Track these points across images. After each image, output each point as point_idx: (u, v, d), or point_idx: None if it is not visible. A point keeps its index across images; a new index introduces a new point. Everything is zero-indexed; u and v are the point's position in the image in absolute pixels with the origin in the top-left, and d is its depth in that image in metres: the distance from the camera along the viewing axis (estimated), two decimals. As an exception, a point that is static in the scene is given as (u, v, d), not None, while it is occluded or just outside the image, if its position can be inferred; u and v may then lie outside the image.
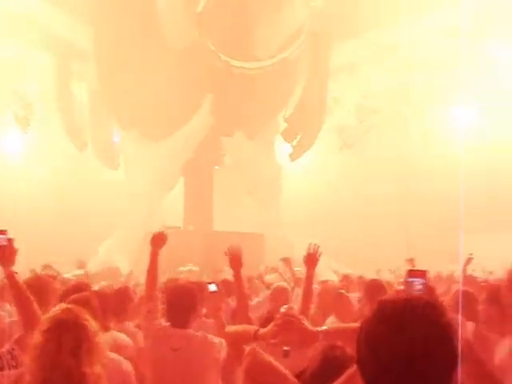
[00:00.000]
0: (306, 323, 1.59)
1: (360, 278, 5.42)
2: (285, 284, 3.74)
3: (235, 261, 2.70)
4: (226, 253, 2.75)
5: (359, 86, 12.04)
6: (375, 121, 12.55)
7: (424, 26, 10.83)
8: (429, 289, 1.91)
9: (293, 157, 11.16)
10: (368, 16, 9.80)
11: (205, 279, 4.62)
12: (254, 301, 4.09)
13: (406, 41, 10.33)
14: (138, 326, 2.94)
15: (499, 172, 10.91)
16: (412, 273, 1.68)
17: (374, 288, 3.08)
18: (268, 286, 4.42)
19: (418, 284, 1.64)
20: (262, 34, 9.63)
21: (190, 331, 2.47)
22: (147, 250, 2.61)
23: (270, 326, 1.61)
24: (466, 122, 11.86)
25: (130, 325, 3.07)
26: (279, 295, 3.35)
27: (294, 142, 10.87)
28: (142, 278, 3.39)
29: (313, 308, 3.11)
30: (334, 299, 3.37)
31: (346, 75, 11.69)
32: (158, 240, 2.60)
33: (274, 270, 5.93)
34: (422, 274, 1.66)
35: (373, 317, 1.17)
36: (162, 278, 3.39)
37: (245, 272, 2.74)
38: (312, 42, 9.60)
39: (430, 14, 10.73)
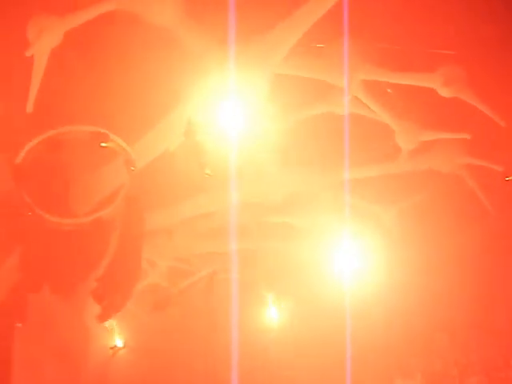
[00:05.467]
0: None
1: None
2: None
3: None
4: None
5: (175, 249, 12.28)
6: (189, 284, 13.28)
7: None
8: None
9: (101, 318, 10.49)
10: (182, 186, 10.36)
11: None
12: None
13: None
14: None
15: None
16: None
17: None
18: None
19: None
20: (80, 191, 9.75)
21: None
22: None
23: None
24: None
25: None
26: None
27: (104, 303, 10.25)
28: None
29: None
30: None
31: (163, 238, 11.85)
32: None
33: None
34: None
35: None
36: None
37: None
38: (128, 205, 9.67)
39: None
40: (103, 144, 9.10)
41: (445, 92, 9.24)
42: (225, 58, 8.08)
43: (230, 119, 8.73)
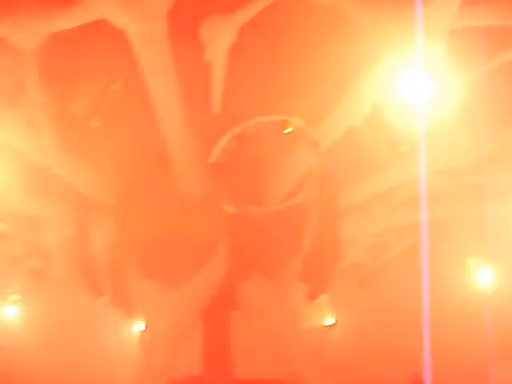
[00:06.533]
0: None
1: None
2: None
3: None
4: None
5: (371, 224, 12.08)
6: (388, 258, 12.90)
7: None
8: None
9: (310, 298, 11.06)
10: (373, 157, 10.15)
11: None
12: None
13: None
14: None
15: None
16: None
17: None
18: None
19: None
20: (271, 179, 10.01)
21: None
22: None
23: None
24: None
25: None
26: None
27: (311, 283, 10.79)
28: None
29: None
30: None
31: (357, 215, 11.69)
32: None
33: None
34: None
35: None
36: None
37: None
38: (320, 185, 9.89)
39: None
40: (287, 130, 9.36)
41: None
42: (402, 25, 7.83)
43: (415, 86, 8.44)
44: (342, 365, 12.74)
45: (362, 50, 8.49)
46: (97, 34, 8.61)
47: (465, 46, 8.89)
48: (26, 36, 8.12)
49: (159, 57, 8.35)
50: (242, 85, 9.31)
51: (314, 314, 13.45)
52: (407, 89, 8.52)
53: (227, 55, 8.36)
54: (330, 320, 14.34)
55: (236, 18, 8.12)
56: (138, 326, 12.29)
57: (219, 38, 8.17)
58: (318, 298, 11.32)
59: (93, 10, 7.78)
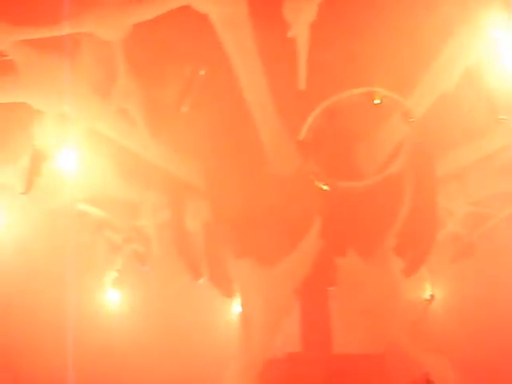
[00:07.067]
0: None
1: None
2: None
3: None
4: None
5: (469, 193, 11.65)
6: (489, 227, 12.35)
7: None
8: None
9: (408, 272, 10.81)
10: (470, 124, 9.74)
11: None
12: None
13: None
14: None
15: None
16: None
17: None
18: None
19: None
20: (363, 152, 9.87)
21: None
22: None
23: None
24: None
25: None
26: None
27: (408, 257, 10.58)
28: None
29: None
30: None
31: (454, 184, 11.39)
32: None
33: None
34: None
35: None
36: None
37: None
38: (414, 155, 9.45)
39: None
40: (376, 101, 9.14)
41: None
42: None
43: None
44: (442, 339, 12.43)
45: (452, 12, 8.17)
46: (181, 21, 8.70)
47: None
48: (112, 28, 8.32)
49: (243, 38, 8.40)
50: (326, 60, 9.19)
51: (413, 288, 13.18)
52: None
53: (310, 31, 8.24)
54: (429, 294, 14.03)
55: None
56: (237, 306, 12.48)
57: (302, 15, 8.07)
58: (416, 272, 11.08)
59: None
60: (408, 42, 8.94)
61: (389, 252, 10.94)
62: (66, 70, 8.81)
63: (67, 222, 11.51)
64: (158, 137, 10.09)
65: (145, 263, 13.23)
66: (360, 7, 8.93)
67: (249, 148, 10.01)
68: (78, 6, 8.06)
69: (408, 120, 8.96)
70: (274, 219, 9.94)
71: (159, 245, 12.60)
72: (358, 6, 8.93)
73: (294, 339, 11.12)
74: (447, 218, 12.22)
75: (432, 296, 13.92)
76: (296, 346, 11.05)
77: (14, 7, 8.20)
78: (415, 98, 9.09)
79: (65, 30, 8.18)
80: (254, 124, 9.48)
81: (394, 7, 8.65)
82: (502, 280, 12.88)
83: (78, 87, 9.09)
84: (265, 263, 10.37)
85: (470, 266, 13.14)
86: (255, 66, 8.74)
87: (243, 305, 11.25)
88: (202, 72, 9.44)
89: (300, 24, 8.11)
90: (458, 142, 10.36)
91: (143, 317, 14.12)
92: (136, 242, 13.03)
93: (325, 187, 9.51)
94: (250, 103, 9.18)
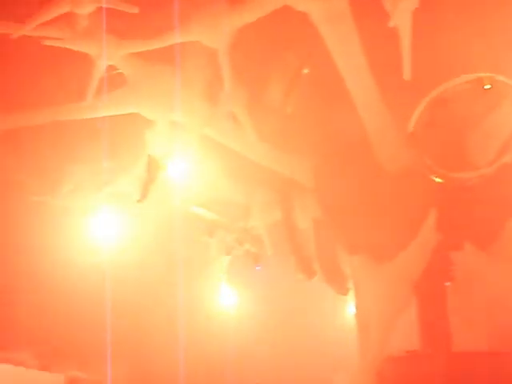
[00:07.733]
0: None
1: None
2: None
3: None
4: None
5: None
6: None
7: None
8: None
9: None
10: None
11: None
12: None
13: None
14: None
15: None
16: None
17: None
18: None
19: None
20: (476, 141, 9.34)
21: None
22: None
23: None
24: None
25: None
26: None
27: None
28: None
29: None
30: None
31: None
32: None
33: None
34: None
35: None
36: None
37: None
38: None
39: None
40: (486, 87, 8.77)
41: None
42: None
43: None
44: None
45: None
46: (280, 22, 8.77)
47: None
48: (218, 35, 8.52)
49: (345, 32, 8.34)
50: (429, 48, 8.93)
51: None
52: None
53: (412, 19, 8.04)
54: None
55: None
56: (352, 303, 12.37)
57: (401, 3, 7.89)
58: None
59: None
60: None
61: (509, 244, 10.30)
62: (176, 79, 9.12)
63: (182, 225, 11.89)
64: (265, 137, 10.23)
65: (258, 263, 13.44)
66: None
67: (356, 143, 9.89)
68: (184, 17, 8.33)
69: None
70: (386, 214, 9.73)
71: (271, 244, 12.74)
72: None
73: (412, 336, 10.77)
74: None
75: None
76: (414, 344, 10.80)
77: (120, 22, 8.62)
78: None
79: (173, 39, 8.48)
80: (360, 119, 9.36)
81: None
82: None
83: (187, 95, 9.37)
84: (379, 259, 10.18)
85: None
86: (359, 59, 8.64)
87: (358, 302, 11.09)
88: (306, 71, 9.46)
89: (401, 12, 7.92)
90: None
91: (257, 317, 14.31)
92: (248, 243, 13.26)
93: (438, 179, 9.36)
94: (355, 98, 9.07)
